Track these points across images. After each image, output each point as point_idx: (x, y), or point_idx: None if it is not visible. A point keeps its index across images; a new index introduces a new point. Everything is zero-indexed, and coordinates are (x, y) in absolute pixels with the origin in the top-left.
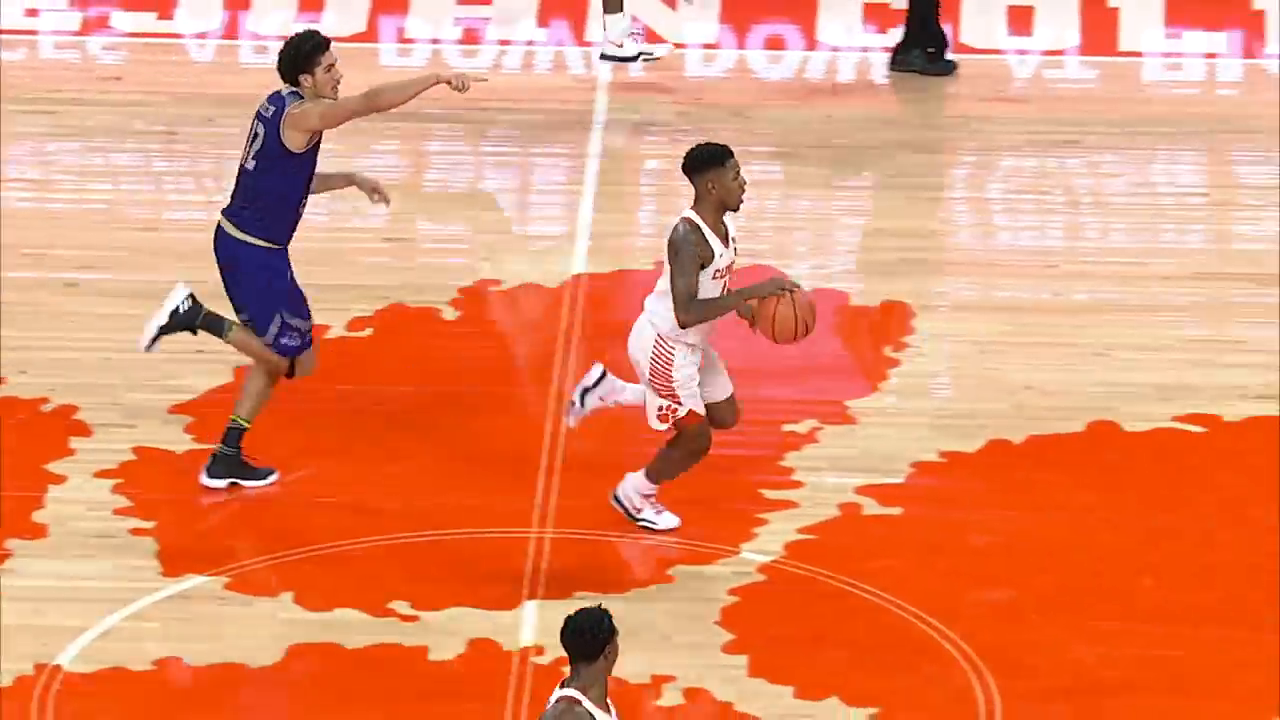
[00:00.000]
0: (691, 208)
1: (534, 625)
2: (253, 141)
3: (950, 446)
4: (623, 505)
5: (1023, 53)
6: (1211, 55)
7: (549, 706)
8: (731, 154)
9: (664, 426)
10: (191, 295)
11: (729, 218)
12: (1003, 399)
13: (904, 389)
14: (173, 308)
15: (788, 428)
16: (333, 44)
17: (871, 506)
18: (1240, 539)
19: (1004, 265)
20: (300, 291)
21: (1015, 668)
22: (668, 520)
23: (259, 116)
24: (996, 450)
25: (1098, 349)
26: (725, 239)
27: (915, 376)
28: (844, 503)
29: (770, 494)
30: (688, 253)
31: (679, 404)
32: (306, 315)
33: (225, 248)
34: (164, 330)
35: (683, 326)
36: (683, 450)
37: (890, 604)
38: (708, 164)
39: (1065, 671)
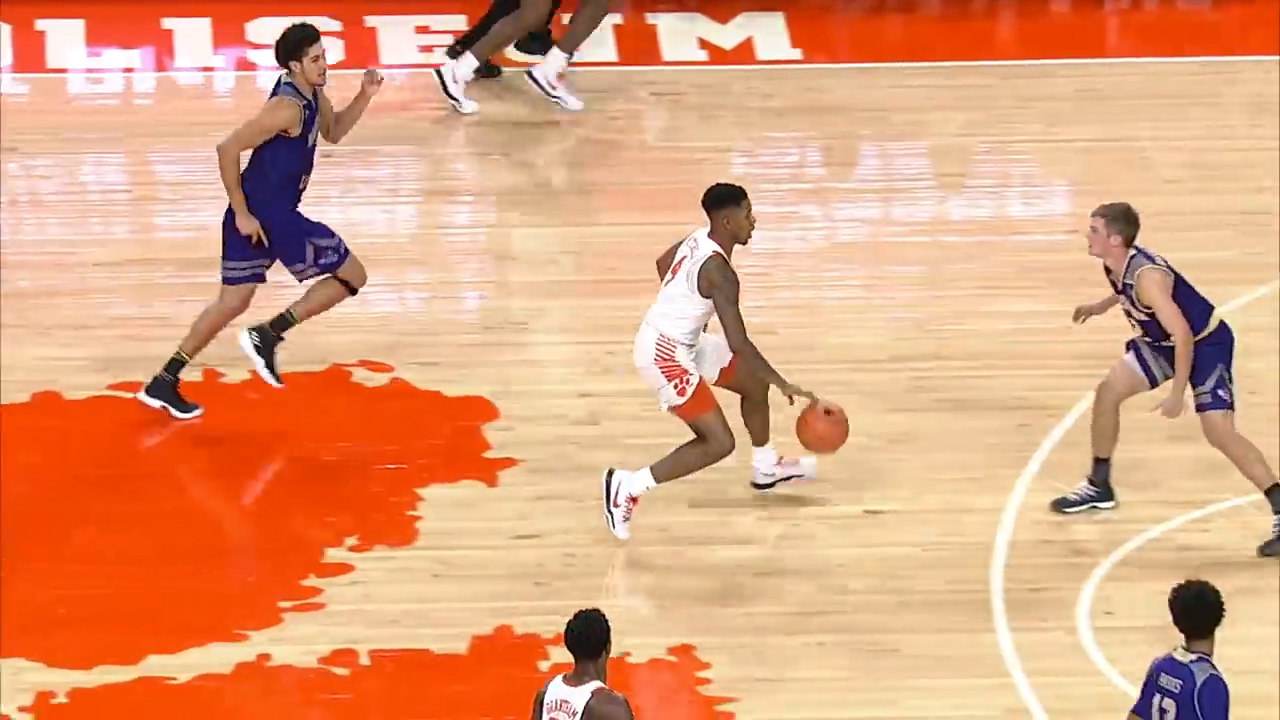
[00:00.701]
0: (710, 236)
1: None
2: None
3: None
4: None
5: None
6: (129, 70)
7: (572, 700)
8: (746, 194)
9: (682, 400)
10: (248, 329)
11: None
12: None
13: None
14: (254, 347)
15: None
16: (322, 37)
17: None
18: (194, 486)
19: None
20: (311, 221)
21: None
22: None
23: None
24: None
25: (39, 330)
26: None
27: None
28: None
29: None
30: (732, 283)
31: (690, 373)
32: (331, 233)
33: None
34: (269, 366)
35: (737, 350)
36: (700, 451)
37: None
38: (728, 201)
39: (26, 612)
